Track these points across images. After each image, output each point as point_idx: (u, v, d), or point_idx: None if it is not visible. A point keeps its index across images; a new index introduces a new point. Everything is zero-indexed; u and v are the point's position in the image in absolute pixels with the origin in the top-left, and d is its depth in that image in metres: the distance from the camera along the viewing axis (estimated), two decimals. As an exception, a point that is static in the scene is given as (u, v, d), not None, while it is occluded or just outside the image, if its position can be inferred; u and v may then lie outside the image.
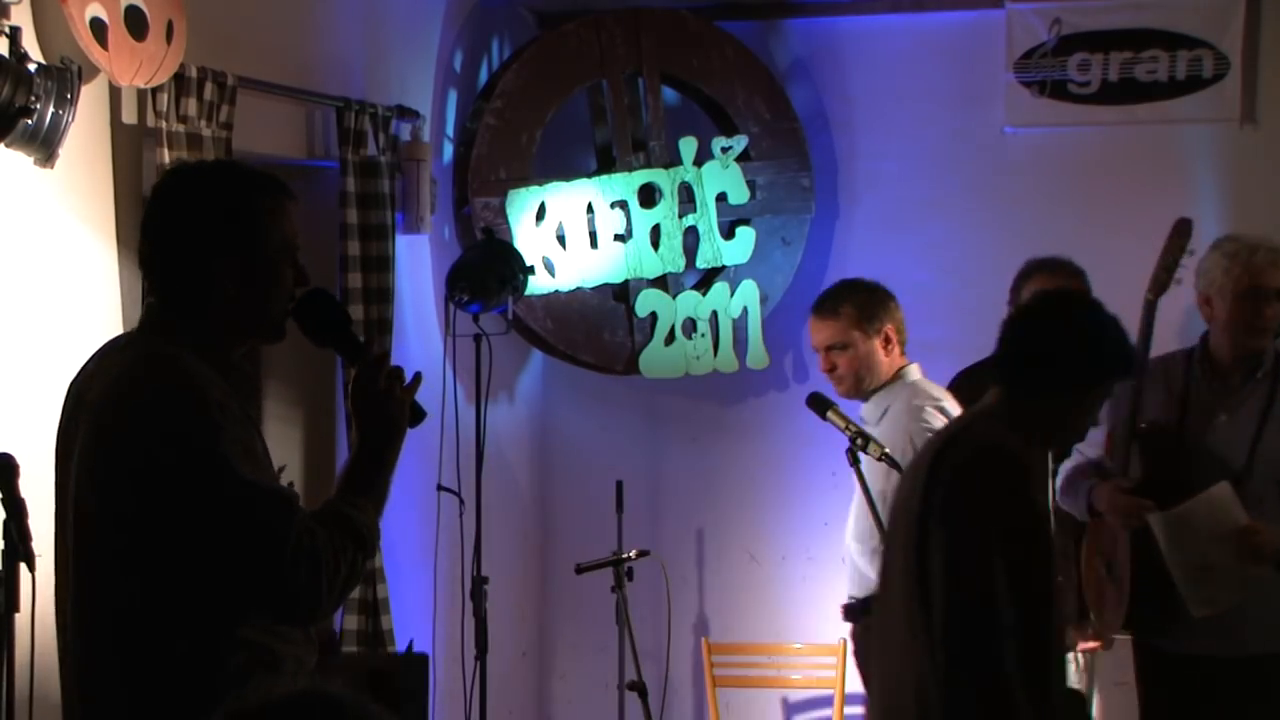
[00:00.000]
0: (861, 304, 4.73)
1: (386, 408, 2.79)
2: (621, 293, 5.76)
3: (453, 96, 5.70)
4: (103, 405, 2.69)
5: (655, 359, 5.76)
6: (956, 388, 5.08)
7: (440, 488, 4.96)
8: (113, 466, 2.66)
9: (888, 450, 4.17)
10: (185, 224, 2.76)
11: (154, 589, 2.66)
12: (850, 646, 5.11)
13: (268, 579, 2.63)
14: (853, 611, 4.66)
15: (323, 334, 2.90)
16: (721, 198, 5.84)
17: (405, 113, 5.11)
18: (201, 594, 2.64)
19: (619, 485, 5.38)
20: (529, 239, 5.54)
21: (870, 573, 4.50)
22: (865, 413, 4.66)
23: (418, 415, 2.87)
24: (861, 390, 4.70)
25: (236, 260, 2.74)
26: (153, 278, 2.81)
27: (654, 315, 5.77)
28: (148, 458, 2.62)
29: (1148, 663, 4.51)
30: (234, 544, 2.62)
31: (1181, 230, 4.54)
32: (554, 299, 5.66)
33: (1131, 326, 4.49)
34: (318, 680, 1.67)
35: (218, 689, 2.48)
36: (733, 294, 5.85)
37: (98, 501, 2.70)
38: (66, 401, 2.85)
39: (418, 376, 2.87)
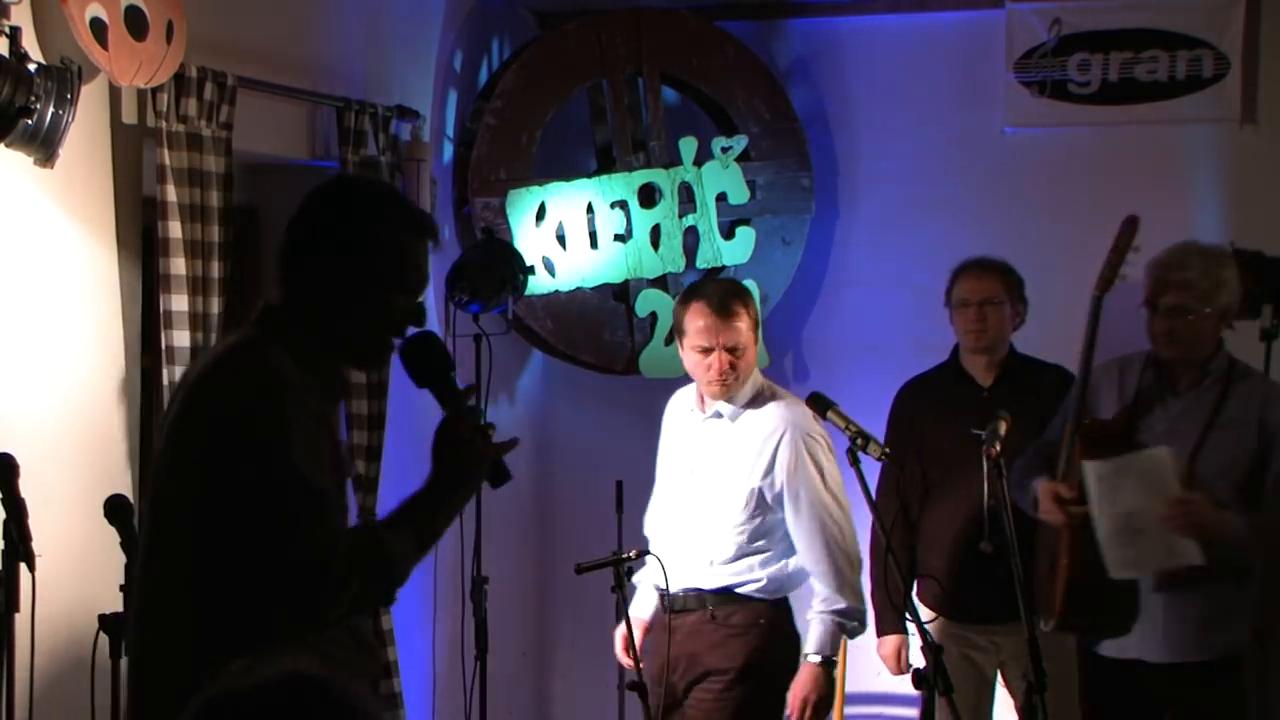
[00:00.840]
0: None
1: (465, 455, 2.82)
2: (621, 293, 5.76)
3: (453, 96, 5.70)
4: (189, 385, 2.78)
5: (655, 359, 5.75)
6: (901, 398, 5.12)
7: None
8: (182, 443, 2.72)
9: (888, 450, 4.16)
10: (321, 237, 2.82)
11: (207, 567, 2.67)
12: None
13: (278, 572, 2.64)
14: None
15: (424, 377, 2.92)
16: (721, 198, 5.84)
17: (405, 113, 5.11)
18: (244, 577, 2.66)
19: (619, 485, 5.37)
20: (529, 239, 5.54)
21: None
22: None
23: (501, 475, 2.89)
24: None
25: (355, 285, 2.79)
26: (279, 274, 2.86)
27: (654, 315, 5.77)
28: (209, 435, 2.67)
29: (1086, 664, 4.53)
30: (260, 530, 2.64)
31: (1127, 227, 4.56)
32: (554, 299, 5.66)
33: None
34: (301, 662, 1.67)
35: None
36: (733, 294, 5.84)
37: (169, 477, 2.74)
38: (174, 389, 2.97)
39: (514, 441, 2.93)
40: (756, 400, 4.52)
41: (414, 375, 2.92)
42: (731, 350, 4.43)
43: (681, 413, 4.66)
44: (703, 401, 4.56)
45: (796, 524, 4.44)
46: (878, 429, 4.60)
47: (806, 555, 4.45)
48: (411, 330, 2.86)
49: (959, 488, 4.79)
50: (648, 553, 4.48)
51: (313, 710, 1.63)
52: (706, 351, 4.43)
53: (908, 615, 4.16)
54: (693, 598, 4.51)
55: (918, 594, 4.96)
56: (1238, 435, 4.27)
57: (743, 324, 4.46)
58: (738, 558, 4.47)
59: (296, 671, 1.65)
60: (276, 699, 1.63)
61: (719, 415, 4.52)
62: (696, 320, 4.45)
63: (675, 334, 4.59)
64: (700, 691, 4.49)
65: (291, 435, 2.64)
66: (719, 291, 4.51)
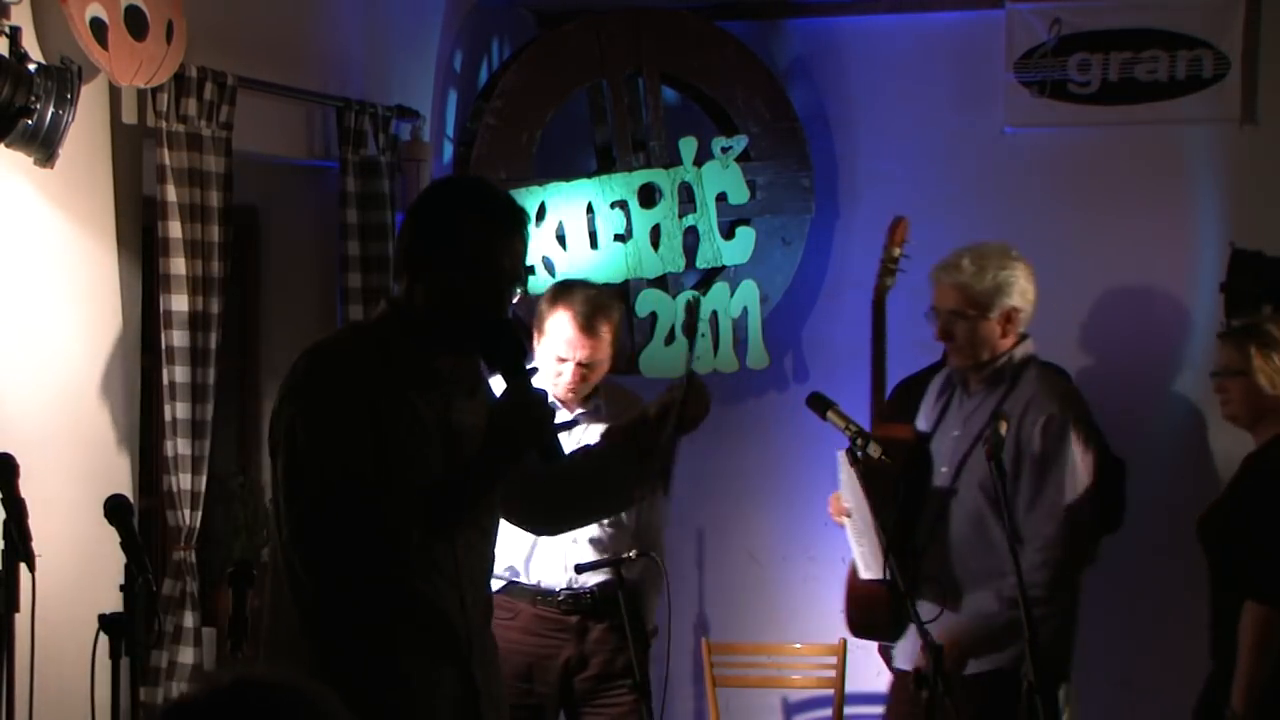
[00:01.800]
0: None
1: (518, 425, 2.96)
2: (621, 293, 5.76)
3: (453, 96, 5.70)
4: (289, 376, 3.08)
5: (655, 359, 5.75)
6: (894, 398, 5.10)
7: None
8: (273, 426, 3.06)
9: (887, 450, 4.17)
10: (429, 237, 3.00)
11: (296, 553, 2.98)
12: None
13: (298, 546, 2.96)
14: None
15: (500, 360, 3.05)
16: (721, 198, 5.84)
17: (405, 113, 5.11)
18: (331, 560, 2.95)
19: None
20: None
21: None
22: None
23: (553, 453, 3.02)
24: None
25: (466, 279, 2.97)
26: (396, 274, 3.13)
27: (654, 315, 5.77)
28: (284, 414, 3.01)
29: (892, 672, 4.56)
30: (298, 511, 2.94)
31: (894, 228, 4.55)
32: (554, 299, 5.66)
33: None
34: (246, 668, 1.71)
35: (371, 656, 2.94)
36: (733, 294, 5.85)
37: (273, 463, 3.06)
38: None
39: (576, 422, 3.19)
40: (590, 399, 4.52)
41: (487, 356, 3.08)
42: (587, 366, 4.41)
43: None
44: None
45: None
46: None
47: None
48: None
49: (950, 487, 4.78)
50: (646, 553, 4.47)
51: (260, 714, 1.67)
52: (562, 360, 4.43)
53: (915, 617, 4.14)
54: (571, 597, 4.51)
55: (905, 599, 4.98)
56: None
57: (605, 339, 4.44)
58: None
59: (246, 677, 1.69)
60: (225, 705, 1.67)
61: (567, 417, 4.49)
62: (561, 330, 4.42)
63: (535, 324, 4.55)
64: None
65: (341, 427, 2.91)
66: (588, 307, 4.43)
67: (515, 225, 3.02)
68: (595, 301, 4.48)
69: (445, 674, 3.02)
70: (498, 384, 4.20)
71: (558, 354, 4.42)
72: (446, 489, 2.97)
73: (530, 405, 2.97)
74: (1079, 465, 4.23)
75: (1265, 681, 4.06)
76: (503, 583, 4.46)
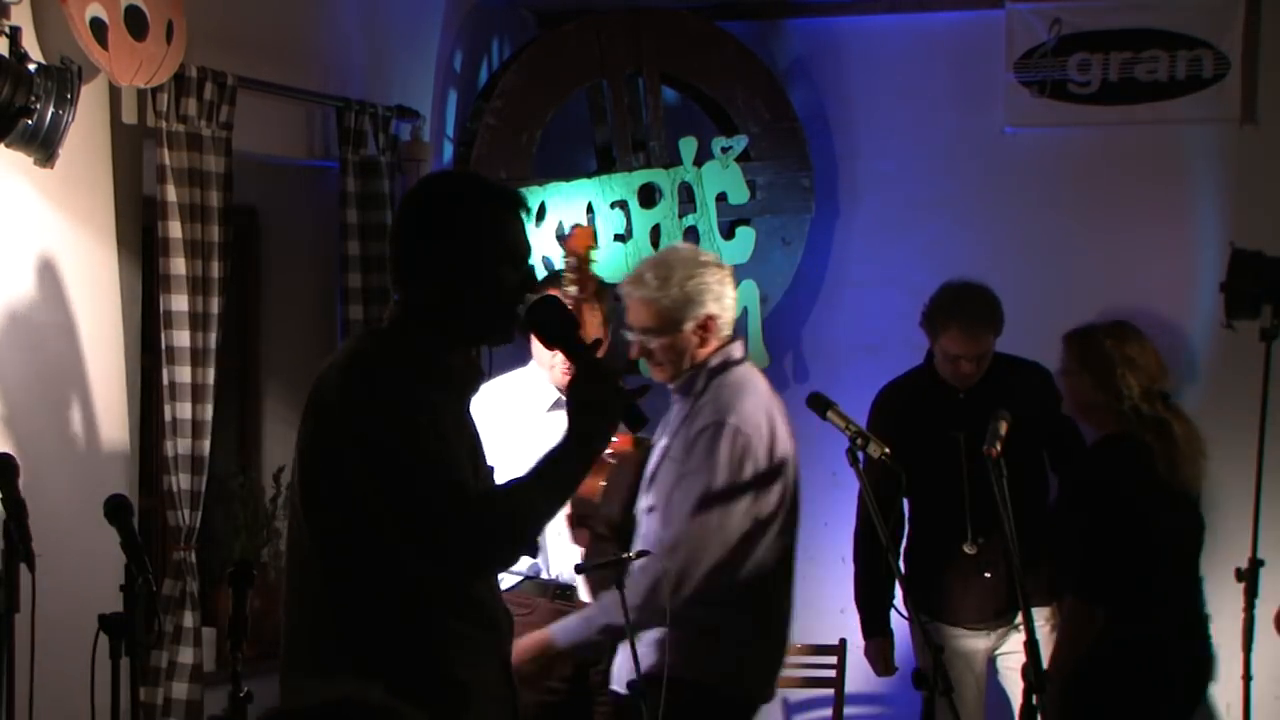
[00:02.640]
0: None
1: (600, 405, 2.92)
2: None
3: (453, 96, 5.70)
4: (316, 386, 2.90)
5: (655, 359, 5.75)
6: (880, 404, 5.09)
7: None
8: (315, 443, 2.88)
9: (887, 451, 4.16)
10: (420, 234, 2.94)
11: (350, 560, 2.86)
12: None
13: (432, 553, 2.84)
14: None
15: (552, 338, 3.03)
16: (721, 198, 5.84)
17: (405, 113, 5.11)
18: (388, 567, 2.85)
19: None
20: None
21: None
22: None
23: (638, 419, 2.99)
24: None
25: (464, 269, 2.91)
26: (393, 280, 3.02)
27: (654, 315, 5.76)
28: (340, 434, 2.83)
29: None
30: (406, 522, 2.82)
31: (569, 237, 4.34)
32: (554, 299, 5.66)
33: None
34: (355, 688, 1.70)
35: (422, 660, 2.84)
36: (733, 294, 5.84)
37: (307, 475, 2.89)
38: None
39: (646, 388, 3.12)
40: None
41: (542, 338, 3.05)
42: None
43: (512, 402, 4.42)
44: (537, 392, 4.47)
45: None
46: (878, 429, 4.61)
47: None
48: (533, 297, 3.02)
49: (939, 492, 4.79)
50: (647, 552, 4.47)
51: None
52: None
53: (905, 614, 4.15)
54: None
55: (902, 598, 4.98)
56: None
57: (594, 322, 4.35)
58: None
59: (355, 698, 1.69)
60: None
61: (562, 404, 4.40)
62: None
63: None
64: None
65: (415, 429, 2.81)
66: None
67: (521, 206, 3.00)
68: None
69: (493, 674, 3.00)
70: (503, 383, 4.17)
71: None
72: (543, 481, 2.92)
73: (610, 374, 2.95)
74: (721, 476, 3.95)
75: (1072, 665, 4.20)
76: (519, 578, 4.46)
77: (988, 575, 4.85)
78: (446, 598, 2.90)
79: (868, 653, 5.08)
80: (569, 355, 3.03)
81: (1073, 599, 4.24)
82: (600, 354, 3.20)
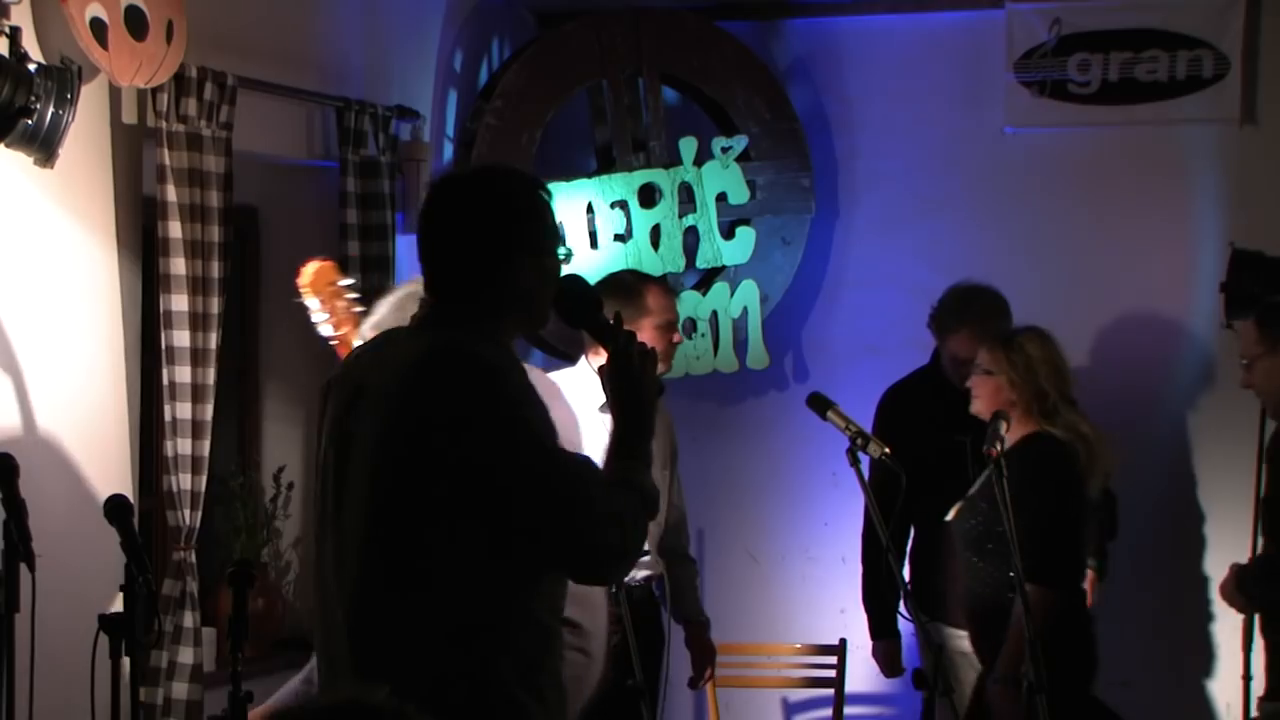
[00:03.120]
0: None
1: (640, 380, 2.91)
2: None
3: (453, 96, 5.70)
4: (403, 391, 2.78)
5: (655, 359, 5.75)
6: (884, 405, 5.09)
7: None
8: (427, 447, 2.74)
9: (887, 450, 4.16)
10: (478, 225, 2.88)
11: (463, 563, 2.74)
12: None
13: (576, 542, 2.76)
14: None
15: (578, 317, 3.03)
16: (721, 198, 5.84)
17: (405, 113, 5.11)
18: (504, 567, 2.75)
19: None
20: (529, 239, 5.53)
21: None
22: None
23: (659, 388, 2.99)
24: None
25: (529, 257, 2.87)
26: (441, 276, 2.93)
27: (654, 315, 5.76)
28: (464, 435, 2.71)
29: None
30: (541, 509, 2.73)
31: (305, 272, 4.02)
32: (554, 299, 5.65)
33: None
34: (360, 689, 1.70)
35: (507, 663, 2.74)
36: (733, 294, 5.85)
37: (404, 484, 2.75)
38: (341, 393, 2.91)
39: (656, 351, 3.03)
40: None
41: (568, 318, 3.04)
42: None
43: (581, 401, 4.33)
44: None
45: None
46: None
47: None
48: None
49: (943, 495, 4.73)
50: (647, 552, 4.47)
51: None
52: (671, 326, 4.55)
53: (906, 615, 4.15)
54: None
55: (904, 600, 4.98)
56: None
57: None
58: None
59: (355, 697, 1.70)
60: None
61: None
62: (662, 299, 4.57)
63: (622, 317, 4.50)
64: None
65: (534, 421, 2.76)
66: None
67: (543, 189, 2.97)
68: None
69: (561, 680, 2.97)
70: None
71: (670, 320, 4.62)
72: (624, 471, 2.88)
73: (646, 352, 2.94)
74: None
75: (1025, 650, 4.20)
76: None
77: (988, 577, 4.83)
78: (546, 603, 2.85)
79: (876, 654, 5.08)
80: (595, 334, 3.01)
81: (1034, 585, 4.17)
82: None
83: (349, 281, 3.97)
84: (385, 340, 3.04)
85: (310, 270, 3.91)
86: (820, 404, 4.32)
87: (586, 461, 2.85)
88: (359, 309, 3.89)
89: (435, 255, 2.93)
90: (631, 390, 2.91)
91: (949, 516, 4.51)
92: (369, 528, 2.79)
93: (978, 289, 4.97)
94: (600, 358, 4.34)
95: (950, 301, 4.97)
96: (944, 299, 4.99)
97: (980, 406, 4.47)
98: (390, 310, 3.75)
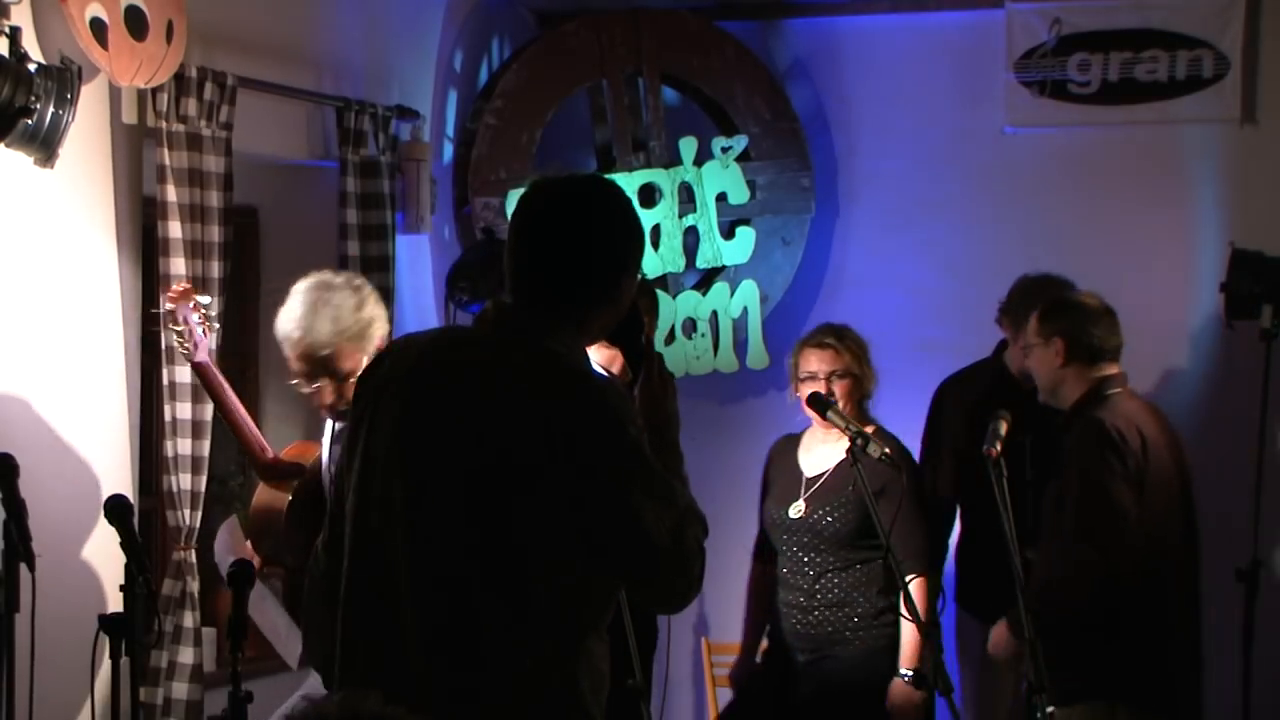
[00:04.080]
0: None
1: (668, 403, 2.86)
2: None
3: (453, 96, 5.70)
4: (519, 402, 2.64)
5: (655, 359, 5.75)
6: (938, 397, 5.03)
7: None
8: (533, 463, 2.62)
9: (887, 451, 4.16)
10: (607, 237, 2.77)
11: (552, 574, 2.64)
12: None
13: (674, 572, 2.70)
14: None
15: (623, 334, 2.95)
16: (721, 198, 5.84)
17: (405, 113, 5.11)
18: (597, 587, 2.69)
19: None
20: (529, 239, 5.53)
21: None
22: None
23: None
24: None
25: (634, 275, 2.81)
26: (552, 283, 2.75)
27: (654, 315, 5.77)
28: (580, 451, 2.61)
29: None
30: (651, 536, 2.64)
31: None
32: (554, 299, 5.66)
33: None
34: (353, 697, 1.68)
35: (576, 673, 2.66)
36: (733, 294, 5.85)
37: (513, 499, 2.63)
38: (403, 391, 2.74)
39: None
40: None
41: (613, 334, 2.96)
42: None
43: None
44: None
45: None
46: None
47: None
48: None
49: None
50: None
51: None
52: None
53: (907, 616, 4.12)
54: None
55: (961, 598, 4.93)
56: None
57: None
58: None
59: (349, 706, 1.71)
60: None
61: None
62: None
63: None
64: None
65: (645, 445, 2.69)
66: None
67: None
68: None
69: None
70: None
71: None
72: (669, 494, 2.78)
73: (668, 376, 2.89)
74: None
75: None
76: None
77: None
78: (607, 619, 2.78)
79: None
80: (628, 354, 2.94)
81: (1076, 544, 4.13)
82: None
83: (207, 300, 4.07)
84: (456, 341, 2.88)
85: (176, 292, 3.99)
86: (820, 404, 4.33)
87: (681, 487, 2.77)
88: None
89: (547, 262, 2.75)
90: (664, 412, 2.85)
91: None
92: (465, 540, 2.64)
93: (1049, 277, 4.90)
94: (600, 357, 4.38)
95: (1025, 289, 4.88)
96: (1016, 288, 4.91)
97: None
98: (308, 309, 3.77)
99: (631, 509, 2.62)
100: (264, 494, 3.97)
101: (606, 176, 2.99)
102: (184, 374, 4.18)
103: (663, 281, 5.79)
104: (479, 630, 2.63)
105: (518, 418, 2.63)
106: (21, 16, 3.69)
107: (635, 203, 5.78)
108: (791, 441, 4.77)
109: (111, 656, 3.11)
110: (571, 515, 2.61)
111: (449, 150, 5.65)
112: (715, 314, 5.84)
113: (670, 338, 5.77)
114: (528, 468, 2.61)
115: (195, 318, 3.94)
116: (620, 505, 2.63)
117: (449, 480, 2.65)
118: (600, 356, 4.27)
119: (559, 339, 2.72)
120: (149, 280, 4.22)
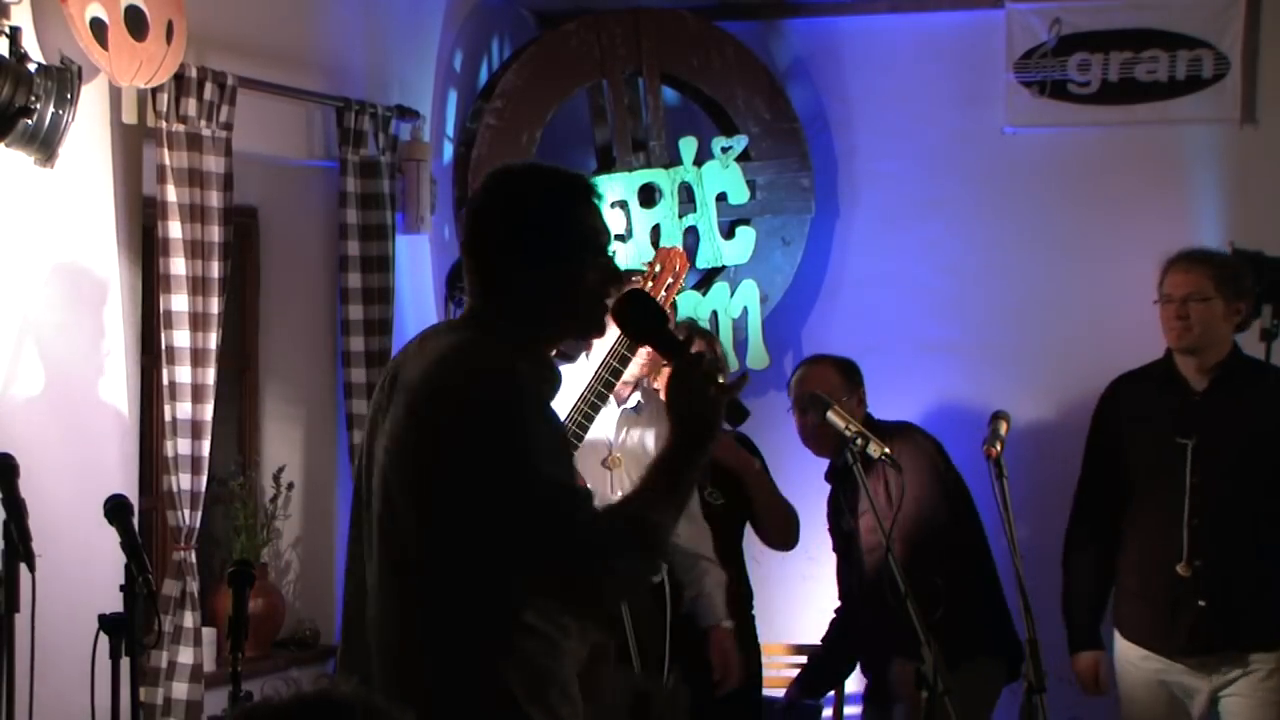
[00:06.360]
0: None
1: (700, 403, 2.76)
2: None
3: (453, 96, 5.70)
4: (421, 385, 2.73)
5: (655, 359, 5.75)
6: (1113, 394, 4.74)
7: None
8: (424, 444, 2.70)
9: (887, 451, 4.16)
10: (492, 231, 2.80)
11: (452, 564, 2.69)
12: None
13: (551, 567, 2.68)
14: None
15: (640, 333, 2.95)
16: (721, 198, 5.84)
17: (405, 113, 5.11)
18: (493, 576, 2.69)
19: (622, 484, 5.37)
20: (529, 239, 5.53)
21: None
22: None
23: (739, 413, 2.83)
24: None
25: (538, 267, 2.77)
26: (473, 278, 2.85)
27: (654, 315, 5.76)
28: (456, 436, 2.66)
29: None
30: (523, 529, 2.65)
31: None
32: (554, 299, 5.66)
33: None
34: (329, 683, 1.71)
35: (503, 668, 2.67)
36: (733, 294, 5.85)
37: (404, 477, 2.72)
38: (384, 381, 2.87)
39: (744, 378, 2.90)
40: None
41: (630, 332, 2.97)
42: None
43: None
44: None
45: None
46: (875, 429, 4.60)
47: None
48: (620, 292, 2.89)
49: (1160, 502, 4.47)
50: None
51: None
52: None
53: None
54: None
55: (1114, 617, 4.69)
56: None
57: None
58: None
59: (325, 692, 1.72)
60: (305, 714, 1.71)
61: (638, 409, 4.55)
62: None
63: None
64: None
65: (534, 438, 2.67)
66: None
67: (593, 191, 2.86)
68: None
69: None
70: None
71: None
72: (658, 491, 2.76)
73: (710, 368, 2.77)
74: None
75: None
76: None
77: (1202, 603, 4.41)
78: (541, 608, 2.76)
79: (1075, 667, 4.71)
80: (660, 351, 2.90)
81: None
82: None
83: None
84: (431, 332, 2.96)
85: None
86: (820, 403, 4.33)
87: (574, 489, 2.73)
88: None
89: (465, 255, 2.88)
90: (686, 411, 2.76)
91: None
92: (378, 521, 2.76)
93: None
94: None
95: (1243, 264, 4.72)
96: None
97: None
98: None
99: (492, 498, 2.63)
100: None
101: (548, 165, 2.94)
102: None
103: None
104: (411, 621, 2.72)
105: (419, 402, 2.71)
106: (21, 16, 3.69)
107: (635, 203, 5.83)
108: None
109: (111, 656, 3.11)
110: (454, 511, 2.66)
111: (449, 150, 5.65)
112: (715, 314, 5.84)
113: (670, 338, 5.77)
114: (421, 450, 2.69)
115: None
116: (482, 490, 2.64)
117: (386, 468, 2.75)
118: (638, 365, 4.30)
119: (502, 330, 2.77)
120: (149, 280, 4.22)
